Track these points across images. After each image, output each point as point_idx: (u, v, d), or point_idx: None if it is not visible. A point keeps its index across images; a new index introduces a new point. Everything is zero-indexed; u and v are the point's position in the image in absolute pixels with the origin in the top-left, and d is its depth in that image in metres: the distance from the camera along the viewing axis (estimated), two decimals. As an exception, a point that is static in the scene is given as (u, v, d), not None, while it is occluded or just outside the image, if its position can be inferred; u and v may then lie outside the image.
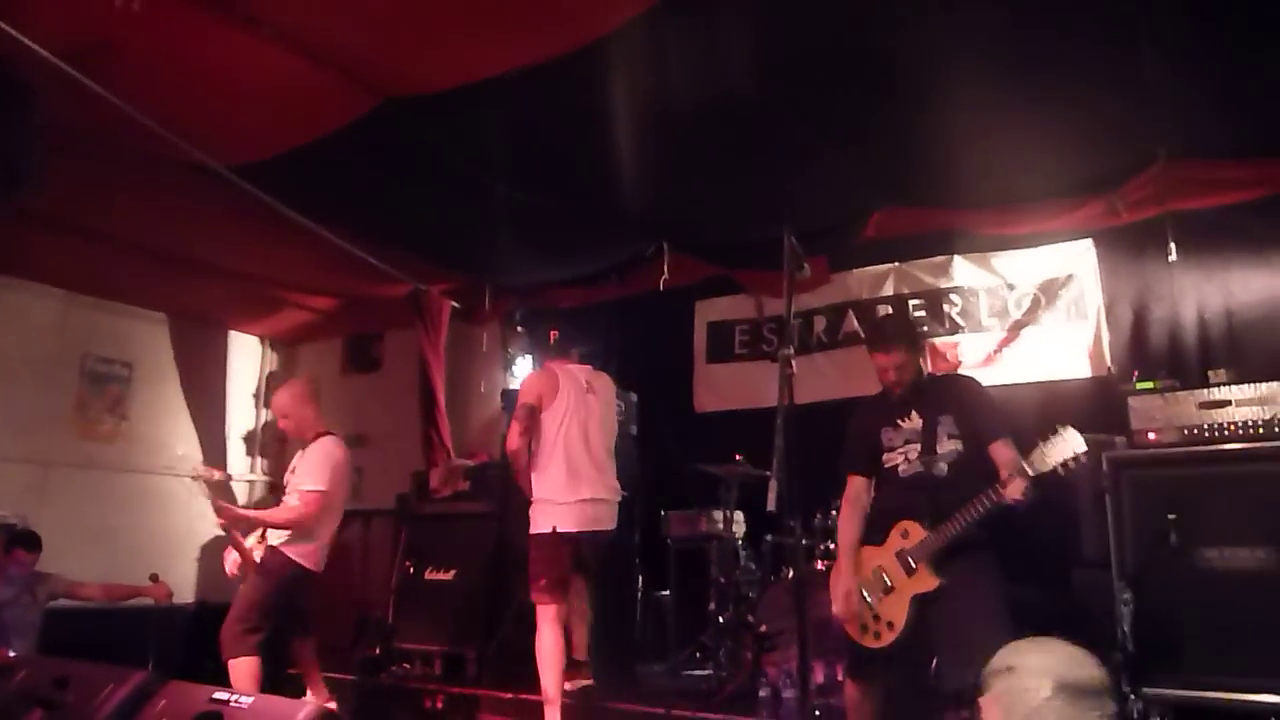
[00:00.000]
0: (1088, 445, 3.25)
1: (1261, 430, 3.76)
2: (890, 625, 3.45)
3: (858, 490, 3.78)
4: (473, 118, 4.46)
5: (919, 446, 3.57)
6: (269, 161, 4.75)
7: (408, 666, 5.70)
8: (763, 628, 4.84)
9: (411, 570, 6.04)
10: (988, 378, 4.13)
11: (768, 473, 3.04)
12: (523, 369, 6.46)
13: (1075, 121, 4.32)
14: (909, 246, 5.99)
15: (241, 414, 8.13)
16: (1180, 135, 4.36)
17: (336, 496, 4.77)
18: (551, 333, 4.97)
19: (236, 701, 2.69)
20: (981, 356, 5.68)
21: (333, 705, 4.54)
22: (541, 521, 4.49)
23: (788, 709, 4.45)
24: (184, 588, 6.96)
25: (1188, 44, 3.75)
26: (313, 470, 4.70)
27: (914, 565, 3.42)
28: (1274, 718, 3.46)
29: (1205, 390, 3.97)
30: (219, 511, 4.53)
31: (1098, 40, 3.80)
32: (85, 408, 6.98)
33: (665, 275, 6.05)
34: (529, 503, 4.68)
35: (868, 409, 3.83)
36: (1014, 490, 3.18)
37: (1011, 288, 5.71)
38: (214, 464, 7.75)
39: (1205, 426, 3.90)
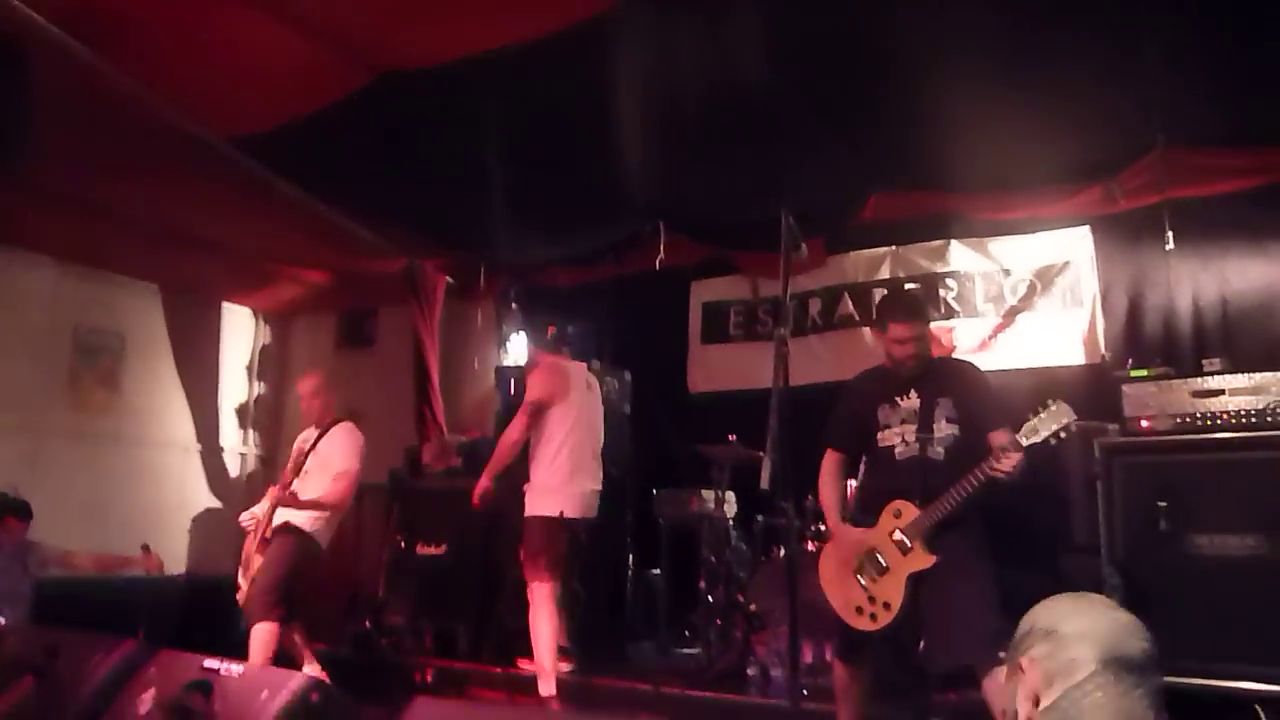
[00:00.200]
0: (1081, 432, 3.27)
1: (1254, 419, 3.77)
2: (887, 606, 3.45)
3: (834, 465, 3.79)
4: (469, 93, 4.43)
5: (915, 427, 3.57)
6: (264, 134, 4.72)
7: (399, 640, 5.71)
8: (752, 607, 4.86)
9: (403, 545, 6.05)
10: (982, 363, 4.11)
11: (760, 453, 3.05)
12: (517, 346, 6.45)
13: (1074, 107, 4.32)
14: (906, 230, 5.98)
15: (234, 387, 8.12)
16: (1179, 122, 4.36)
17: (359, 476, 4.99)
18: (549, 328, 5.06)
19: (227, 670, 2.69)
20: (976, 342, 5.68)
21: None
22: (544, 504, 4.62)
23: (776, 688, 4.48)
24: (175, 559, 6.97)
25: (1187, 31, 3.74)
26: (344, 452, 4.91)
27: (909, 544, 3.42)
28: (1259, 704, 3.49)
29: (1199, 379, 3.96)
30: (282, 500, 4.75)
31: (1097, 27, 3.79)
32: (77, 379, 6.96)
33: (661, 255, 6.04)
34: (523, 480, 4.78)
35: (864, 384, 3.81)
36: (1007, 464, 3.20)
37: (1007, 273, 5.71)
38: (209, 439, 7.78)
39: (1198, 415, 3.90)
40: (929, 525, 3.38)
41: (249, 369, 8.26)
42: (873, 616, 3.49)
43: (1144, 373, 4.13)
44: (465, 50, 4.02)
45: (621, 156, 4.97)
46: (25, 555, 5.41)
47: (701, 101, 4.37)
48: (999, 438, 3.34)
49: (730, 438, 5.26)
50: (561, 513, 4.60)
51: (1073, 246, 5.49)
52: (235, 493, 7.90)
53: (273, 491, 4.90)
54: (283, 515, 4.78)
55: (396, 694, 4.16)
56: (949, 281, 5.90)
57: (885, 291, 5.99)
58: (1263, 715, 3.45)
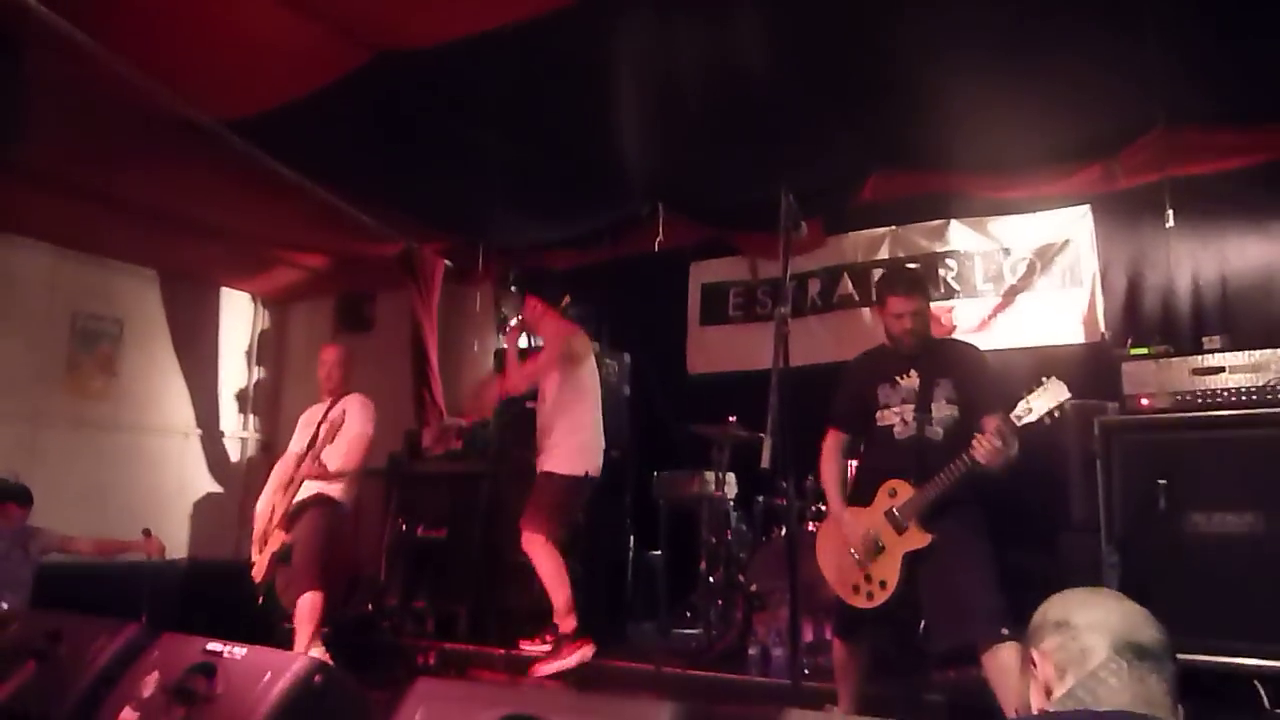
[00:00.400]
0: (1080, 411, 3.28)
1: (1254, 397, 3.77)
2: (883, 585, 3.47)
3: (836, 444, 3.80)
4: (467, 73, 4.40)
5: (914, 407, 3.58)
6: (260, 116, 4.69)
7: (400, 623, 5.73)
8: (753, 587, 4.88)
9: (403, 528, 6.06)
10: (982, 342, 4.12)
11: (760, 434, 3.05)
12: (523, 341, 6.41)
13: (1074, 85, 4.30)
14: (905, 210, 5.96)
15: (233, 372, 8.11)
16: (1179, 101, 4.33)
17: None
18: (565, 297, 5.17)
19: (230, 653, 2.70)
20: (976, 321, 5.67)
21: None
22: (572, 462, 4.76)
23: (777, 667, 4.50)
24: (176, 544, 6.98)
25: (1188, 9, 3.72)
26: (360, 418, 5.00)
27: (904, 523, 3.43)
28: (1257, 680, 3.51)
29: (1199, 357, 3.97)
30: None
31: (1098, 5, 3.76)
32: (76, 365, 6.95)
33: (660, 237, 6.01)
34: (522, 461, 4.94)
35: (865, 363, 3.82)
36: (986, 447, 3.19)
37: (1007, 253, 5.69)
38: (209, 424, 7.77)
39: (1198, 392, 3.90)
40: (924, 504, 3.39)
41: (248, 354, 8.25)
42: (869, 595, 3.51)
43: (1144, 351, 4.13)
44: (463, 30, 3.99)
45: (620, 137, 4.94)
46: (26, 541, 5.41)
47: (701, 82, 4.34)
48: (991, 422, 3.35)
49: (730, 419, 5.26)
50: (587, 473, 4.76)
51: (1072, 225, 5.48)
52: (235, 478, 7.92)
53: (286, 469, 4.98)
54: (308, 488, 4.85)
55: (398, 676, 4.18)
56: (948, 261, 5.88)
57: (884, 271, 5.98)
58: (1262, 691, 3.47)
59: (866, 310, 5.99)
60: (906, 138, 4.97)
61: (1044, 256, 5.55)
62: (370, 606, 5.88)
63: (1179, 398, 3.94)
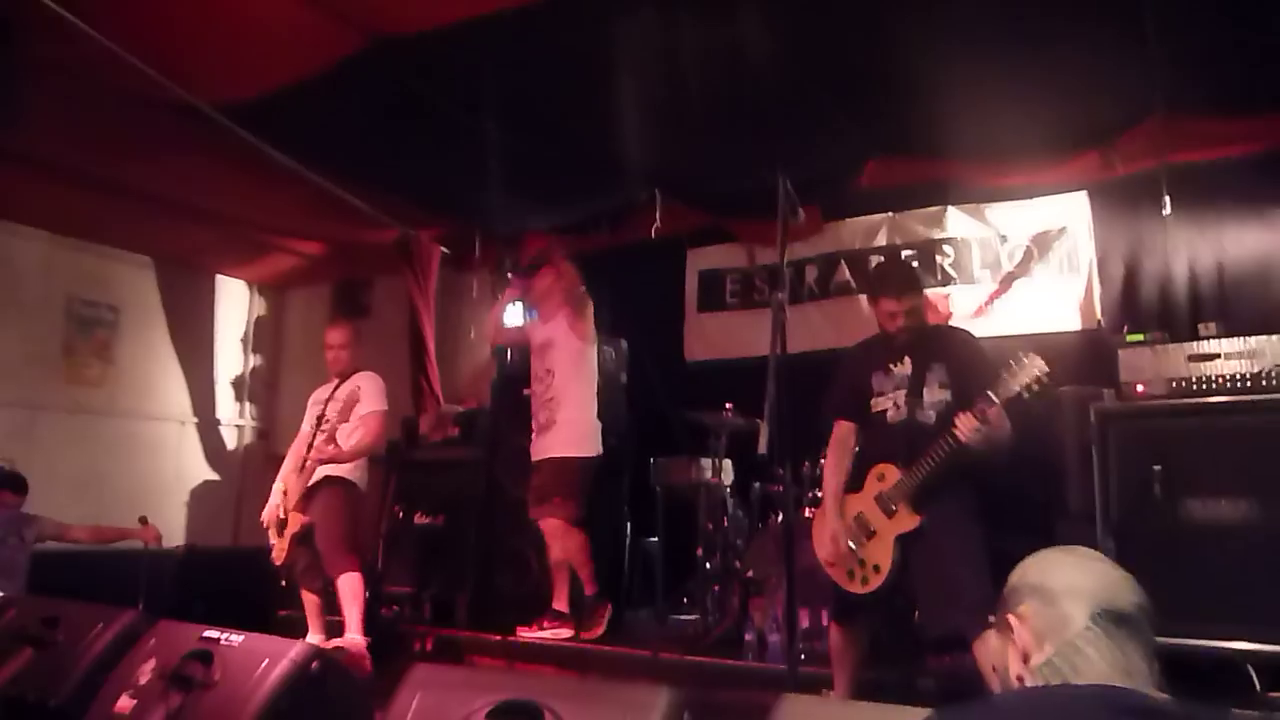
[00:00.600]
0: (1076, 398, 3.28)
1: (1249, 383, 3.77)
2: (877, 569, 3.48)
3: (845, 435, 3.81)
4: (462, 59, 4.38)
5: (906, 393, 3.59)
6: (255, 101, 4.66)
7: (397, 610, 5.74)
8: (750, 574, 4.88)
9: (401, 515, 6.06)
10: (978, 329, 4.14)
11: (758, 420, 3.06)
12: (513, 317, 6.43)
13: (1072, 73, 4.28)
14: (902, 197, 5.94)
15: (229, 359, 8.10)
16: (1177, 88, 4.32)
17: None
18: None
19: (227, 640, 2.70)
20: (973, 308, 5.67)
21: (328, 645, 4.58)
22: (586, 445, 4.93)
23: (773, 653, 4.50)
24: (172, 531, 6.98)
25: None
26: (372, 395, 4.94)
27: (893, 506, 3.45)
28: (1250, 665, 3.52)
29: (1195, 343, 3.96)
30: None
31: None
32: (72, 352, 6.95)
33: (657, 223, 6.00)
34: (519, 448, 5.05)
35: (859, 353, 3.84)
36: (964, 428, 3.21)
37: (1004, 239, 5.68)
38: (205, 412, 7.76)
39: (1194, 379, 3.90)
40: (912, 486, 3.40)
41: (244, 341, 8.24)
42: (864, 580, 3.52)
43: (1140, 338, 4.13)
44: (459, 14, 3.97)
45: (618, 123, 4.93)
46: (21, 528, 5.42)
47: (699, 68, 4.33)
48: (976, 402, 3.36)
49: (727, 406, 5.27)
50: (599, 454, 4.94)
51: (1070, 212, 5.47)
52: (232, 465, 7.92)
53: (298, 451, 4.96)
54: (321, 469, 4.79)
55: (397, 662, 4.19)
56: (946, 248, 5.87)
57: (881, 259, 5.97)
58: (1255, 676, 3.49)
59: (863, 297, 5.97)
60: (904, 124, 4.96)
61: (1041, 243, 5.54)
62: (368, 593, 5.88)
63: (1175, 384, 3.94)
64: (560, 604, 5.02)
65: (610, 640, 4.90)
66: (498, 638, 4.98)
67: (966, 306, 5.70)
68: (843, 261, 6.21)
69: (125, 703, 2.72)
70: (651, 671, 4.39)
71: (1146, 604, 1.40)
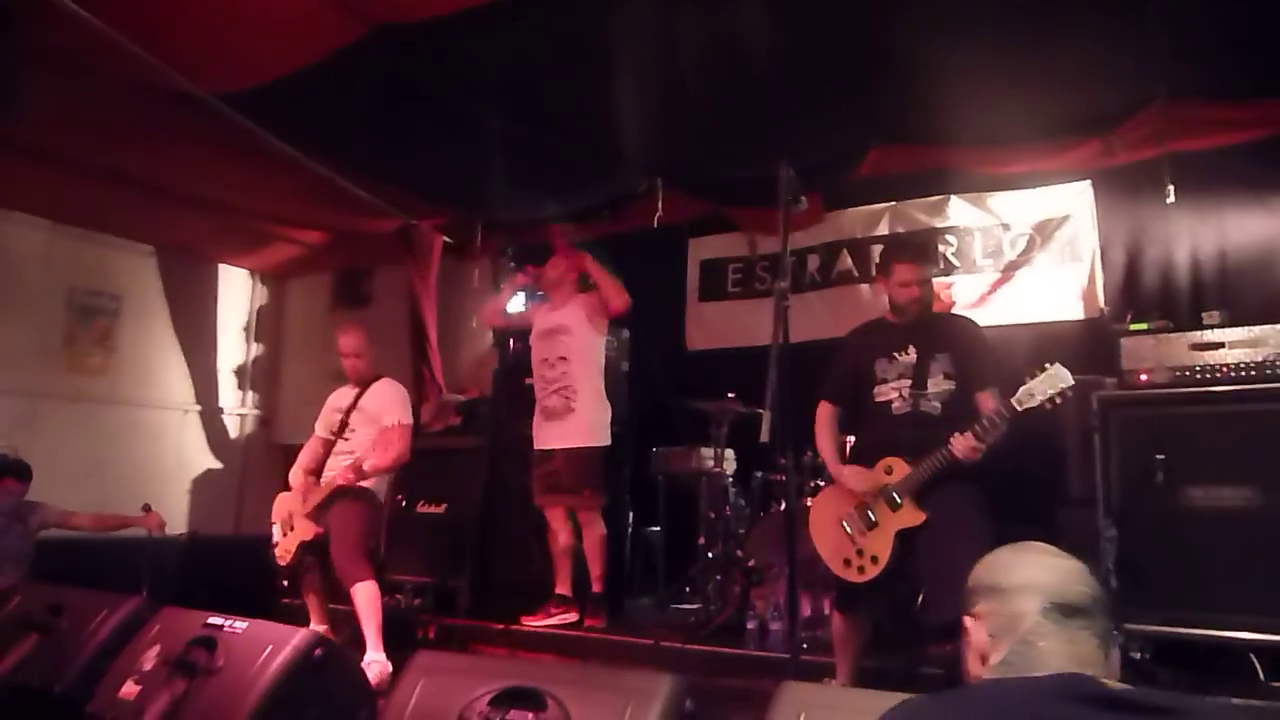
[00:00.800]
0: (1079, 386, 3.28)
1: (1253, 372, 3.78)
2: (874, 560, 3.49)
3: (828, 417, 3.82)
4: (463, 47, 4.37)
5: (911, 382, 3.58)
6: (255, 90, 4.64)
7: (400, 598, 5.76)
8: (751, 562, 4.90)
9: (403, 504, 6.07)
10: (981, 318, 4.12)
11: (759, 409, 3.06)
12: (515, 305, 6.42)
13: (1074, 60, 4.26)
14: (905, 185, 5.94)
15: (231, 348, 8.10)
16: (1180, 75, 4.30)
17: None
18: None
19: (231, 626, 2.72)
20: (975, 297, 5.66)
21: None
22: (600, 435, 4.98)
23: (775, 641, 4.52)
24: (175, 519, 6.99)
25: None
26: (395, 407, 4.82)
27: (899, 500, 3.45)
28: (1251, 653, 3.53)
29: (1198, 332, 3.97)
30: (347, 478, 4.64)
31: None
32: (74, 340, 6.94)
33: (659, 212, 5.99)
34: (521, 437, 5.11)
35: (862, 338, 3.83)
36: (962, 447, 3.22)
37: (1007, 228, 5.67)
38: (208, 400, 7.77)
39: (1197, 368, 3.91)
40: (919, 482, 3.40)
41: (246, 330, 8.23)
42: (860, 569, 3.53)
43: (1143, 326, 4.13)
44: (460, 3, 3.95)
45: (619, 112, 4.91)
46: (25, 516, 5.42)
47: (700, 56, 4.31)
48: (986, 400, 3.36)
49: (728, 395, 5.27)
50: (609, 443, 4.99)
51: (1072, 200, 5.46)
52: (234, 454, 7.93)
53: (313, 453, 4.92)
54: (334, 481, 4.68)
55: (400, 649, 4.20)
56: (948, 237, 5.87)
57: (891, 239, 5.96)
58: (1258, 664, 3.50)
59: (865, 286, 5.99)
60: (906, 113, 4.94)
61: (1043, 232, 5.54)
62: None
63: (1177, 373, 3.94)
64: (564, 588, 5.05)
65: (612, 629, 4.92)
66: (500, 626, 5.00)
67: (969, 295, 5.69)
68: (845, 250, 6.21)
69: (130, 689, 2.74)
70: (653, 659, 4.41)
71: (1099, 593, 1.42)
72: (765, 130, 5.00)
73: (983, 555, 1.48)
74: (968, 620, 1.50)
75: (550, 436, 5.02)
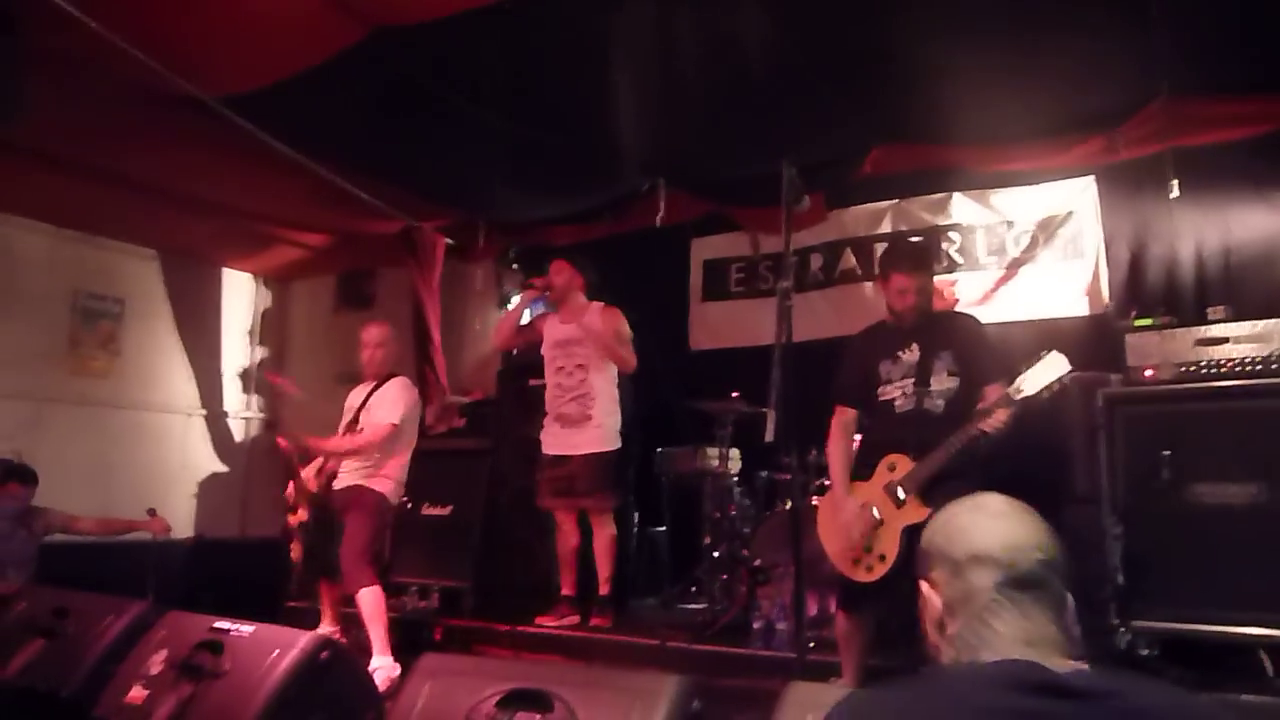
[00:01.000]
0: (1083, 383, 3.28)
1: (1258, 367, 3.76)
2: (882, 558, 3.48)
3: (847, 420, 3.81)
4: (465, 48, 4.36)
5: (914, 381, 3.58)
6: (257, 93, 4.64)
7: (405, 600, 5.76)
8: (757, 562, 4.89)
9: (408, 506, 6.07)
10: (984, 315, 4.12)
11: (763, 409, 3.06)
12: (509, 313, 6.44)
13: (1077, 56, 4.25)
14: (907, 184, 5.93)
15: (235, 351, 8.10)
16: (1183, 71, 4.29)
17: (407, 432, 4.89)
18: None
19: (237, 630, 2.72)
20: (979, 294, 5.66)
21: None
22: (613, 440, 5.06)
23: (780, 641, 4.51)
24: (180, 523, 6.99)
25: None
26: (388, 405, 4.82)
27: (903, 497, 3.44)
28: (1260, 650, 3.52)
29: (1203, 328, 3.96)
30: (288, 439, 4.84)
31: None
32: (78, 344, 6.95)
33: (661, 213, 5.98)
34: (525, 438, 5.18)
35: (866, 339, 3.83)
36: (995, 420, 3.21)
37: (1010, 225, 5.66)
38: (212, 404, 7.77)
39: (1202, 363, 3.89)
40: (923, 479, 3.39)
41: (250, 333, 8.24)
42: (868, 568, 3.52)
43: (1148, 322, 4.12)
44: (461, 4, 3.95)
45: (621, 113, 4.91)
46: (30, 520, 5.43)
47: (702, 56, 4.30)
48: (992, 391, 3.34)
49: (732, 394, 5.27)
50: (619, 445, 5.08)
51: (1076, 197, 5.45)
52: (239, 457, 7.93)
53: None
54: (352, 476, 4.74)
55: (406, 651, 4.20)
56: (951, 234, 5.86)
57: (888, 246, 5.95)
58: (1266, 660, 3.49)
59: (869, 285, 5.97)
60: (909, 111, 4.93)
61: (1047, 229, 5.53)
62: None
63: (1183, 369, 3.93)
64: (572, 590, 5.08)
65: (618, 629, 4.91)
66: (505, 627, 5.00)
67: (973, 293, 5.68)
68: (848, 249, 6.20)
69: (137, 693, 2.74)
70: (659, 660, 4.41)
71: (1055, 556, 1.38)
72: (767, 129, 4.99)
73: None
74: (924, 585, 1.47)
75: (567, 443, 5.06)
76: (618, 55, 4.38)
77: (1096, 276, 5.31)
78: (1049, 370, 3.16)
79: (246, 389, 8.15)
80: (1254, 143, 4.60)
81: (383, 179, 5.97)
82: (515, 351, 6.13)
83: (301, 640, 2.67)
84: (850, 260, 6.19)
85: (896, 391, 3.62)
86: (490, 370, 6.90)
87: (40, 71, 4.28)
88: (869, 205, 6.15)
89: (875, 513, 3.52)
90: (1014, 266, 5.61)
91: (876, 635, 3.73)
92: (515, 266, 7.21)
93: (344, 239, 7.24)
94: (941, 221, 5.91)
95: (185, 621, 2.93)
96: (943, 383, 3.56)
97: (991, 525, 1.42)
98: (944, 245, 5.85)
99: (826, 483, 4.40)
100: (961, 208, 5.84)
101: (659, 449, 5.97)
